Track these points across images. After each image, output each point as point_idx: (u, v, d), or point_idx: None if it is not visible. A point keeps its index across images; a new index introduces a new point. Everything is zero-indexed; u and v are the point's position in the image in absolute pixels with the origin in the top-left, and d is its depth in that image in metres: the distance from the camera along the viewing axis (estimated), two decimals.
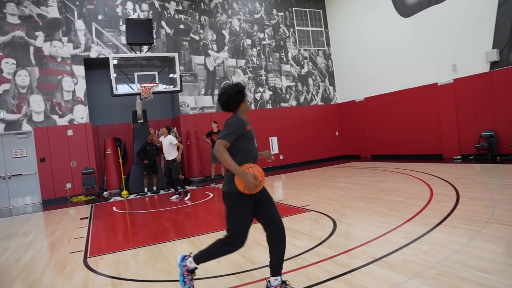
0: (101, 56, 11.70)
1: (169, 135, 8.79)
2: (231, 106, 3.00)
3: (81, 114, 11.45)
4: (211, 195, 9.10)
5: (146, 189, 10.61)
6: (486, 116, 9.91)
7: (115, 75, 9.35)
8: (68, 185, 11.08)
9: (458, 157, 10.53)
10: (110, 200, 10.03)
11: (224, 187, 2.92)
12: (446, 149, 11.00)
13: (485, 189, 6.14)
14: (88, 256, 4.67)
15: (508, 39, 9.36)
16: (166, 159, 8.89)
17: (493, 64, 9.69)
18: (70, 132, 11.23)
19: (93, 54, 11.66)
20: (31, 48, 10.99)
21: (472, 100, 10.20)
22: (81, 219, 7.61)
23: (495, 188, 6.07)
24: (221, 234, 4.95)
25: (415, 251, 3.51)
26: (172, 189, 9.57)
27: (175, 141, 8.62)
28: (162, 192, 10.65)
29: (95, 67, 12.16)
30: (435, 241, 3.75)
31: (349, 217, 5.32)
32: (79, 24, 11.57)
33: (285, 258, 2.94)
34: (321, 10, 15.61)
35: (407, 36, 12.01)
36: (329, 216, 5.36)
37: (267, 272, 3.02)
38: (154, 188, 10.77)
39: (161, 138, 8.99)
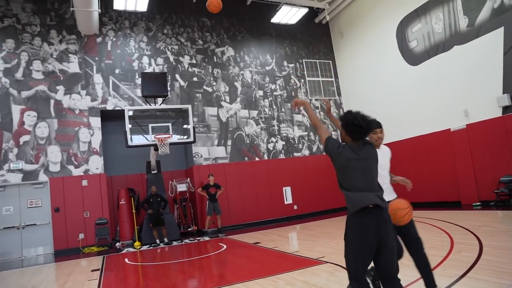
0: (117, 108, 12.07)
1: None
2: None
3: (96, 164, 11.62)
4: (225, 246, 8.91)
5: (158, 240, 10.45)
6: (503, 160, 9.73)
7: (130, 126, 9.57)
8: (81, 236, 11.01)
9: (478, 203, 10.23)
10: (123, 251, 9.89)
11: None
12: (464, 195, 10.72)
13: (510, 237, 5.89)
14: None
15: None
16: None
17: (505, 109, 9.68)
18: (85, 183, 11.34)
19: (109, 106, 12.04)
20: (52, 101, 11.43)
21: (487, 145, 10.08)
22: (92, 271, 7.48)
23: None
24: (235, 287, 4.81)
25: None
26: None
27: None
28: (175, 243, 10.47)
29: (111, 118, 12.51)
30: None
31: None
32: (97, 78, 12.08)
33: None
34: (330, 61, 16.05)
35: (417, 84, 12.17)
36: (345, 268, 5.15)
37: None
38: (165, 240, 10.55)
39: None
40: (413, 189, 3.71)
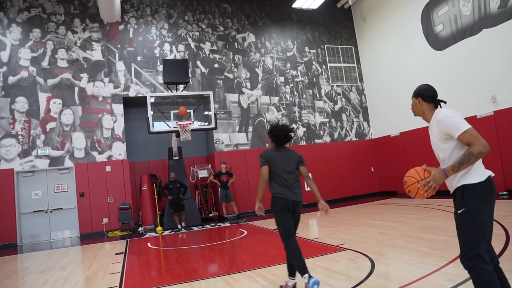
0: (139, 95, 12.22)
1: None
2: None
3: (119, 150, 11.86)
4: (245, 232, 9.00)
5: (179, 226, 10.62)
6: None
7: (152, 113, 9.67)
8: (105, 220, 11.32)
9: (504, 192, 9.96)
10: (145, 236, 10.12)
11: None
12: None
13: None
14: None
15: None
16: None
17: None
18: (108, 168, 11.60)
19: (131, 93, 12.21)
20: (76, 89, 11.67)
21: None
22: (116, 254, 7.70)
23: None
24: (255, 273, 4.87)
25: None
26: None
27: None
28: (195, 228, 10.62)
29: (133, 105, 12.69)
30: None
31: (387, 256, 5.08)
32: (120, 65, 12.23)
33: None
34: (352, 47, 15.74)
35: (442, 69, 11.82)
36: (366, 255, 5.14)
37: None
38: (183, 224, 10.66)
39: None
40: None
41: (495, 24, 10.11)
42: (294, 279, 3.95)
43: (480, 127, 10.63)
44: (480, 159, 2.51)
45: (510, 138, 9.89)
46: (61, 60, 11.65)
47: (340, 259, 5.21)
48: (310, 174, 4.21)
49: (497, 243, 4.96)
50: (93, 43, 12.07)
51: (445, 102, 2.87)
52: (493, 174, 2.58)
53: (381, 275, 4.22)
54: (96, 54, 12.07)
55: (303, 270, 3.64)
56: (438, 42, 11.99)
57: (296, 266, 3.76)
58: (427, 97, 2.87)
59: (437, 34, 11.99)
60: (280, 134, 4.17)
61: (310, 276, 3.55)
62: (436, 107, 2.84)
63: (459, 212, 2.58)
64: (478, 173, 2.54)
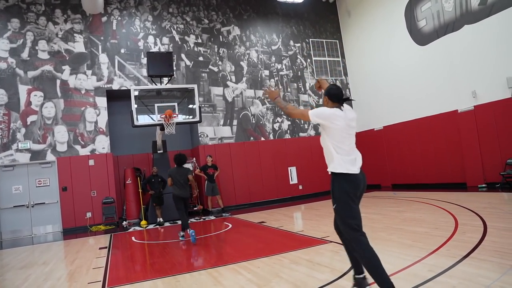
0: (122, 88, 12.06)
1: None
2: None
3: (102, 144, 11.70)
4: (230, 225, 9.02)
5: (161, 219, 10.57)
6: (510, 142, 9.64)
7: (136, 106, 9.57)
8: (88, 214, 11.19)
9: (483, 185, 10.21)
10: (129, 230, 10.05)
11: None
12: (470, 177, 10.70)
13: None
14: (106, 287, 4.65)
15: None
16: None
17: None
18: (91, 162, 11.45)
19: (115, 86, 12.03)
20: (58, 81, 11.44)
21: (495, 126, 9.98)
22: (100, 248, 7.63)
23: None
24: (240, 266, 4.90)
25: (442, 285, 3.36)
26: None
27: None
28: (167, 224, 10.54)
29: (116, 98, 12.52)
30: (463, 275, 3.59)
31: None
32: (103, 58, 12.03)
33: None
34: (337, 41, 15.82)
35: (425, 64, 12.00)
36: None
37: None
38: (160, 220, 10.60)
39: None
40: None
41: (476, 21, 10.30)
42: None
43: (461, 121, 10.90)
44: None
45: (490, 132, 10.14)
46: (42, 52, 11.39)
47: (324, 251, 5.28)
48: None
49: (475, 234, 5.10)
50: (75, 34, 11.83)
51: (350, 100, 3.51)
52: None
53: None
54: (78, 46, 11.84)
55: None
56: (421, 37, 12.14)
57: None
58: (332, 95, 3.29)
59: (420, 29, 12.14)
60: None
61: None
62: (341, 105, 3.26)
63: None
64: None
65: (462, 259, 4.06)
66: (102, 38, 12.14)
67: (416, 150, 12.52)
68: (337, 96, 3.27)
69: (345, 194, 3.23)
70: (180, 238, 7.66)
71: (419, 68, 12.25)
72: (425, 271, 3.82)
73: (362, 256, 3.06)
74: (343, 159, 3.24)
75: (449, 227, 5.77)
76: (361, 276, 3.34)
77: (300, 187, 13.90)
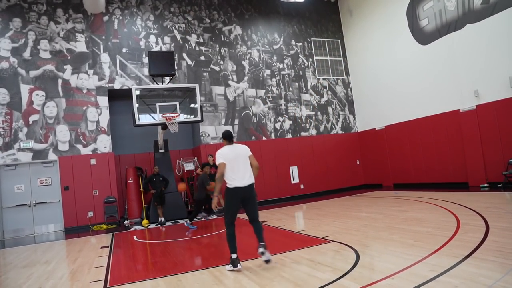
0: (124, 88, 12.07)
1: None
2: None
3: (104, 143, 11.72)
4: None
5: (162, 219, 10.59)
6: None
7: (137, 105, 9.57)
8: (90, 214, 11.21)
9: (485, 185, 10.19)
10: (131, 229, 10.06)
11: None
12: (472, 177, 10.67)
13: None
14: (108, 286, 4.65)
15: None
16: None
17: None
18: (93, 161, 11.47)
19: (116, 85, 12.04)
20: (59, 81, 11.46)
21: (497, 126, 9.95)
22: (101, 247, 7.64)
23: None
24: (241, 265, 4.90)
25: (443, 285, 3.35)
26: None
27: None
28: (182, 221, 10.60)
29: (118, 98, 12.53)
30: (465, 274, 3.58)
31: (372, 248, 5.16)
32: (104, 57, 12.04)
33: None
34: (339, 40, 15.79)
35: (427, 63, 11.97)
36: (351, 247, 5.21)
37: None
38: (162, 219, 10.62)
39: None
40: None
41: (478, 20, 10.26)
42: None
43: (463, 120, 10.87)
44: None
45: (492, 132, 10.11)
46: (44, 51, 11.41)
47: (325, 251, 5.27)
48: None
49: (477, 234, 5.09)
50: (76, 34, 11.84)
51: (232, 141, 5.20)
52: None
53: (366, 266, 4.29)
54: (80, 45, 11.85)
55: None
56: (423, 37, 12.12)
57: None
58: (225, 136, 5.21)
59: (422, 29, 12.11)
60: None
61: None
62: (231, 142, 5.16)
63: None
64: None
65: (464, 259, 4.05)
66: (103, 37, 12.15)
67: (417, 150, 12.50)
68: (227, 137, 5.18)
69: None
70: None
71: (421, 67, 12.22)
72: (427, 270, 3.81)
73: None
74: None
75: (451, 227, 5.76)
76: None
77: (302, 186, 13.89)
